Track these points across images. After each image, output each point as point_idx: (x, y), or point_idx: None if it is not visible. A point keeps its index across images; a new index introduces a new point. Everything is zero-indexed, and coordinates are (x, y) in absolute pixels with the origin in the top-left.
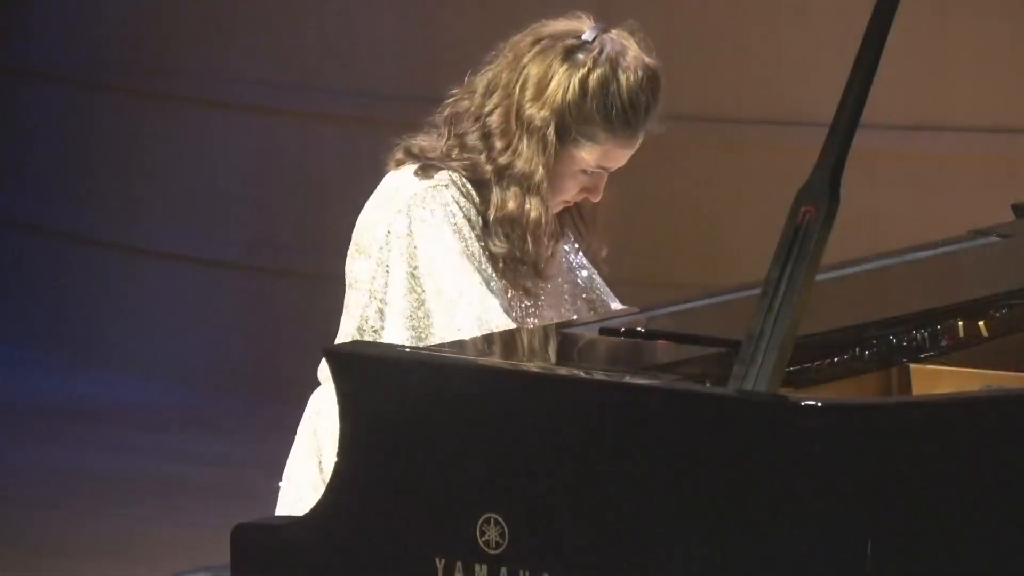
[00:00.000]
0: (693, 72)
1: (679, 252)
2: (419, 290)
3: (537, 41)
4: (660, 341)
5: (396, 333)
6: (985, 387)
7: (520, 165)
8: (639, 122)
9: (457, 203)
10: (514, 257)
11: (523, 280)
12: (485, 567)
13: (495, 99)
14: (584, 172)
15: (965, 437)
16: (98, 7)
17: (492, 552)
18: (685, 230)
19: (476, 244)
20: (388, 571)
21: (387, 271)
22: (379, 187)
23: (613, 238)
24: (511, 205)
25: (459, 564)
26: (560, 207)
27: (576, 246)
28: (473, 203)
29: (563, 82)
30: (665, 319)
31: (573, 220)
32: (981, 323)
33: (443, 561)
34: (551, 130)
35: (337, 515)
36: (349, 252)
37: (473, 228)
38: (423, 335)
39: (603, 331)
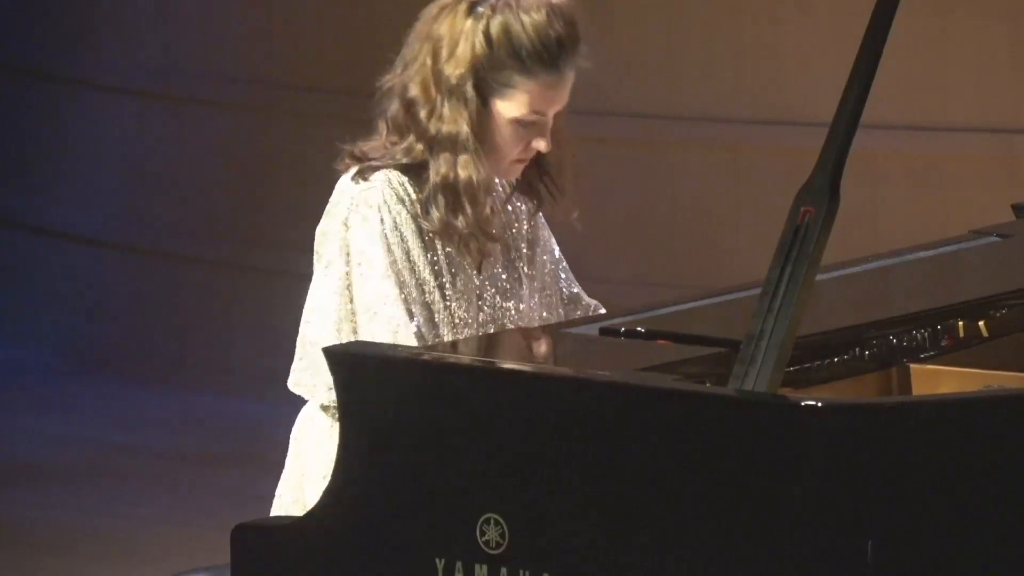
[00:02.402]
0: (693, 72)
1: (679, 252)
2: (348, 297)
3: (442, 8)
4: (660, 341)
5: (327, 334)
6: (985, 387)
7: (445, 128)
8: (554, 58)
9: (388, 206)
10: (451, 227)
11: (476, 249)
12: (485, 567)
13: (412, 71)
14: (519, 123)
15: (965, 437)
16: None
17: (492, 552)
18: (685, 230)
19: (403, 255)
20: (388, 571)
21: (326, 276)
22: (333, 194)
23: (613, 238)
24: (443, 170)
25: (459, 564)
26: (514, 167)
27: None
28: (408, 201)
29: (469, 37)
30: (665, 319)
31: (544, 185)
32: (981, 323)
33: (443, 561)
34: (469, 86)
35: (337, 515)
36: (314, 260)
37: (401, 235)
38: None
39: (603, 331)
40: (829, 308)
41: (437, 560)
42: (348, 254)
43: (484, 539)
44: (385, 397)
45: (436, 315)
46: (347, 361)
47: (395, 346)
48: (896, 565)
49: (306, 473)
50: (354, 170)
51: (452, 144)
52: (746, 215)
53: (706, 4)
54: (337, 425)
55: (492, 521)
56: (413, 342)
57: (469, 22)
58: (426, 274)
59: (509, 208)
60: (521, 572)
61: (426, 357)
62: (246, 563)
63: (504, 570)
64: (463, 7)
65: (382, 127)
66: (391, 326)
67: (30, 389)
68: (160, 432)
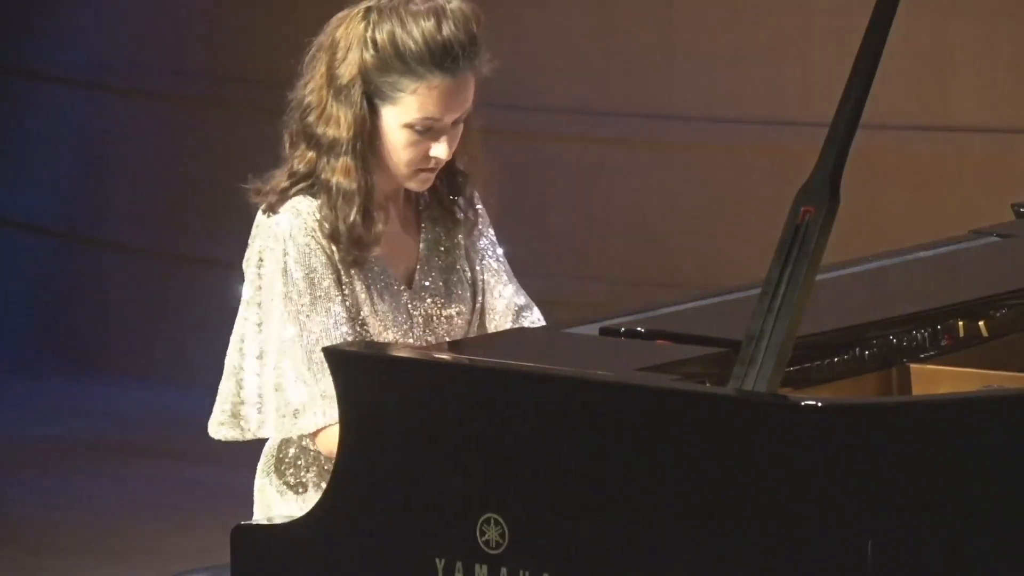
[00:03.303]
0: (693, 72)
1: (679, 252)
2: (255, 335)
3: (343, 17)
4: (660, 341)
5: (231, 354)
6: (985, 387)
7: (331, 132)
8: (440, 60)
9: (295, 239)
10: (339, 233)
11: (353, 258)
12: (485, 567)
13: (309, 78)
14: (411, 128)
15: (965, 437)
16: None
17: (492, 552)
18: (685, 230)
19: (306, 288)
20: (388, 571)
21: (247, 307)
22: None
23: (613, 238)
24: (324, 176)
25: (459, 564)
26: (420, 176)
27: (479, 230)
28: (315, 230)
29: (359, 41)
30: (665, 319)
31: (456, 204)
32: (981, 323)
33: (443, 561)
34: (356, 90)
35: (337, 515)
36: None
37: (309, 268)
38: (250, 377)
39: (603, 331)
40: (829, 308)
41: (437, 560)
42: (259, 289)
43: (484, 539)
44: (385, 397)
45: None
46: (347, 361)
47: (395, 346)
48: (896, 565)
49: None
50: (264, 204)
51: (333, 148)
52: (746, 215)
53: (706, 4)
54: (287, 496)
55: (492, 521)
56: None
57: (361, 27)
58: (338, 299)
59: (443, 217)
60: (521, 572)
61: (426, 357)
62: (246, 563)
63: (504, 570)
64: (358, 13)
65: (285, 140)
66: (297, 371)
67: None
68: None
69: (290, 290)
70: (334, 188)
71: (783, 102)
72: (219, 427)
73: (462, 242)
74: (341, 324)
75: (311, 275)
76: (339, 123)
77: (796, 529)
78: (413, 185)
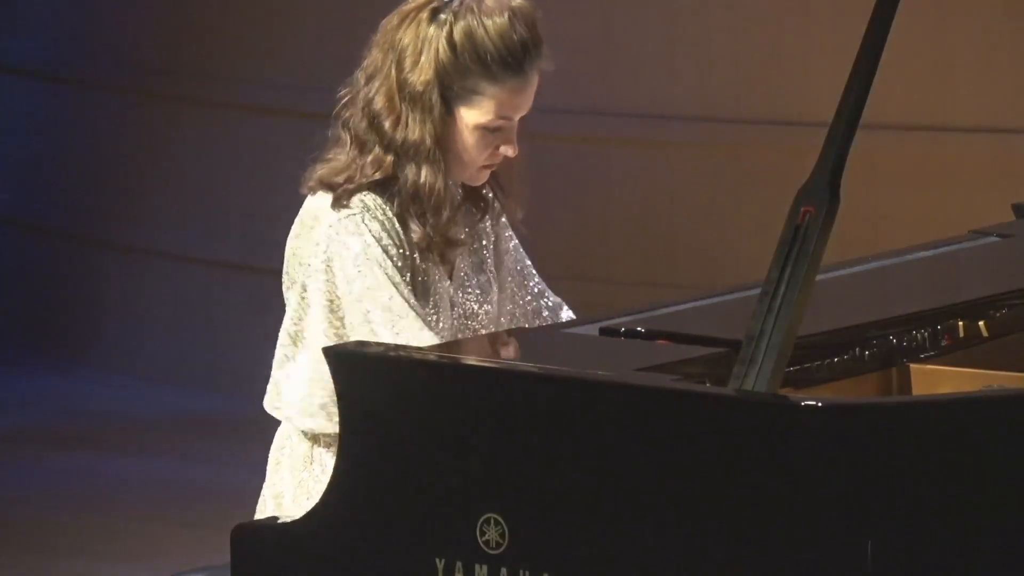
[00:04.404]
0: (692, 72)
1: (679, 252)
2: (337, 324)
3: (404, 17)
4: (660, 341)
5: (308, 367)
6: (985, 387)
7: (410, 137)
8: (519, 62)
9: (371, 232)
10: (429, 239)
11: (442, 257)
12: (485, 567)
13: (376, 83)
14: (486, 129)
15: (965, 437)
16: None
17: (492, 552)
18: (685, 230)
19: (395, 272)
20: (388, 571)
21: (308, 305)
22: (300, 213)
23: (613, 238)
24: (411, 179)
25: (459, 564)
26: (482, 173)
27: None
28: (389, 225)
29: (433, 44)
30: (665, 319)
31: (491, 187)
32: (981, 323)
33: (443, 561)
34: (434, 94)
35: (337, 515)
36: (283, 279)
37: (389, 256)
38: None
39: (603, 331)
40: (829, 308)
41: (437, 560)
42: (334, 283)
43: (484, 539)
44: (385, 397)
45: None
46: (347, 361)
47: (395, 346)
48: (896, 565)
49: (285, 493)
50: (329, 196)
51: (416, 153)
52: (746, 215)
53: (706, 4)
54: (313, 450)
55: (492, 521)
56: (428, 337)
57: (432, 29)
58: (412, 299)
59: (474, 211)
60: (521, 572)
61: (426, 357)
62: (246, 563)
63: (504, 570)
64: (425, 15)
65: (345, 138)
66: (415, 329)
67: None
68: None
69: (381, 276)
70: (425, 191)
71: (783, 102)
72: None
73: (489, 237)
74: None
75: (392, 264)
76: (419, 129)
77: (796, 529)
78: (476, 180)
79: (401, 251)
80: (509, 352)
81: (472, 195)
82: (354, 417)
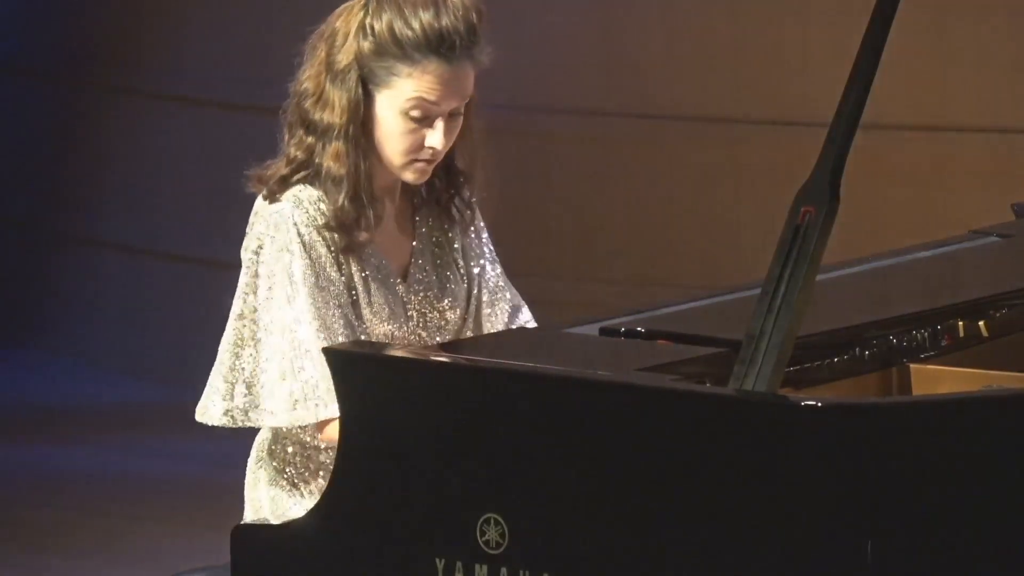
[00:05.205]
0: (693, 72)
1: (679, 252)
2: (252, 320)
3: (344, 8)
4: (660, 341)
5: (223, 356)
6: (985, 387)
7: (327, 117)
8: (436, 47)
9: (296, 225)
10: (340, 219)
11: (343, 245)
12: (485, 567)
13: (308, 67)
14: (407, 116)
15: (965, 437)
16: None
17: (492, 552)
18: (685, 230)
19: (311, 273)
20: (388, 571)
21: (242, 296)
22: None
23: (613, 238)
24: (319, 160)
25: (459, 564)
26: (414, 168)
27: (477, 238)
28: (319, 215)
29: (357, 27)
30: (665, 319)
31: (453, 204)
32: (981, 323)
33: (443, 561)
34: (352, 75)
35: (337, 515)
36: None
37: (309, 253)
38: (245, 364)
39: (603, 331)
40: (829, 308)
41: (437, 560)
42: (256, 276)
43: (484, 539)
44: (385, 397)
45: (355, 331)
46: (347, 361)
47: (395, 346)
48: (896, 565)
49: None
50: (265, 190)
51: (327, 132)
52: (746, 215)
53: (706, 4)
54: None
55: (492, 521)
56: (316, 345)
57: (360, 15)
58: (341, 288)
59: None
60: (521, 572)
61: (426, 357)
62: (246, 563)
63: (504, 570)
64: (359, 2)
65: (284, 129)
66: (300, 349)
67: None
68: None
69: (292, 275)
70: (324, 172)
71: (783, 102)
72: (210, 414)
73: (457, 240)
74: (338, 316)
75: (311, 264)
76: (334, 108)
77: (796, 529)
78: (408, 177)
79: (328, 249)
80: (509, 352)
81: (435, 203)
82: (354, 417)
